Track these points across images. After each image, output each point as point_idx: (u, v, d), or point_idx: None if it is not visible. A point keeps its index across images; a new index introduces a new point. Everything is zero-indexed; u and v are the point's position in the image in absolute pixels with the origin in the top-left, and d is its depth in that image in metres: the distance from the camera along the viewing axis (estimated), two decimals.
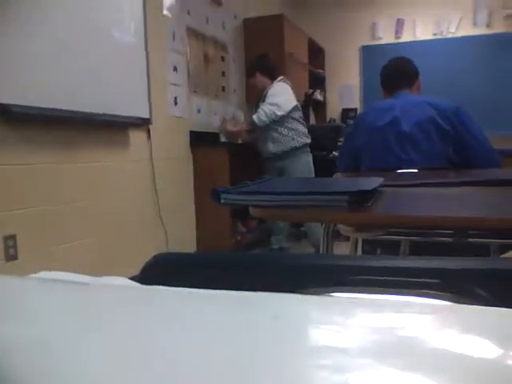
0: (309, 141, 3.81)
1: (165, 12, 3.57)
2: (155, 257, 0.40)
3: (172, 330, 0.24)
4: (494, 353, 0.21)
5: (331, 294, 0.34)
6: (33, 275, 0.35)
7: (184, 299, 0.29)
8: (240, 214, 4.05)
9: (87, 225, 2.73)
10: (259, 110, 3.64)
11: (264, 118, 3.59)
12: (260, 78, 3.77)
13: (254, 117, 3.64)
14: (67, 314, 0.27)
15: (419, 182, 1.14)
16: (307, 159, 3.83)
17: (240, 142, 4.13)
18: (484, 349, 0.22)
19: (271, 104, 3.61)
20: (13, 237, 2.27)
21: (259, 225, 4.46)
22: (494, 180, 1.07)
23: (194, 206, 3.89)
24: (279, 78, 3.79)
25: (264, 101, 3.67)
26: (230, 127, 3.92)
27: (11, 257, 2.26)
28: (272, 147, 3.73)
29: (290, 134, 3.71)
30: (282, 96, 3.67)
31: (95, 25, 2.69)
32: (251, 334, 0.24)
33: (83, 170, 2.71)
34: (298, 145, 3.72)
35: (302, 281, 0.31)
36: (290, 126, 3.71)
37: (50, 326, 0.25)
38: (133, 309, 0.28)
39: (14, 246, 2.27)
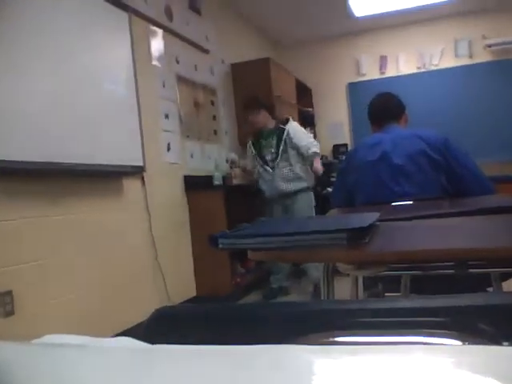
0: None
1: (154, 62, 3.65)
2: (157, 311, 0.40)
3: None
4: None
5: (334, 339, 0.34)
6: (37, 340, 0.35)
7: (187, 357, 0.29)
8: (238, 254, 4.03)
9: (85, 276, 2.70)
10: (308, 144, 3.71)
11: (314, 146, 3.74)
12: (264, 115, 3.83)
13: (315, 149, 3.71)
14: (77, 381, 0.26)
15: (415, 214, 1.15)
16: (311, 197, 3.86)
17: (236, 182, 4.16)
18: None
19: (312, 139, 3.81)
20: (9, 293, 2.23)
21: (258, 265, 4.43)
22: (488, 208, 1.08)
23: (191, 250, 3.86)
24: (291, 117, 3.91)
25: (285, 139, 3.73)
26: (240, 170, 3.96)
27: (8, 313, 2.23)
28: (285, 186, 3.73)
29: (304, 175, 3.77)
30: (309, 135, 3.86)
31: (86, 76, 2.75)
32: None
33: (79, 221, 2.70)
34: (309, 185, 3.78)
35: (303, 328, 0.31)
36: (306, 165, 3.79)
37: None
38: (141, 372, 0.28)
39: (11, 302, 2.24)
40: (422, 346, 0.28)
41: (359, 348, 0.28)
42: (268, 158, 3.80)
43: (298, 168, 3.74)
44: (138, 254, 3.21)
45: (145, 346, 0.32)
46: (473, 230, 0.90)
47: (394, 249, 0.81)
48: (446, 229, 0.94)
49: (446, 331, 0.32)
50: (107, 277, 2.87)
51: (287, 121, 3.85)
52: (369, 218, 1.03)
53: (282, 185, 3.73)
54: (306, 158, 3.74)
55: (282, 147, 3.72)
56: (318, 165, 3.74)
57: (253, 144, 3.90)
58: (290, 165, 3.72)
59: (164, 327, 0.33)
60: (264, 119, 3.83)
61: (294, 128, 3.78)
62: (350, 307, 0.37)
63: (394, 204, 1.85)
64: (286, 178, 3.72)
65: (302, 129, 3.87)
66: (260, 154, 3.85)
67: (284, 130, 3.76)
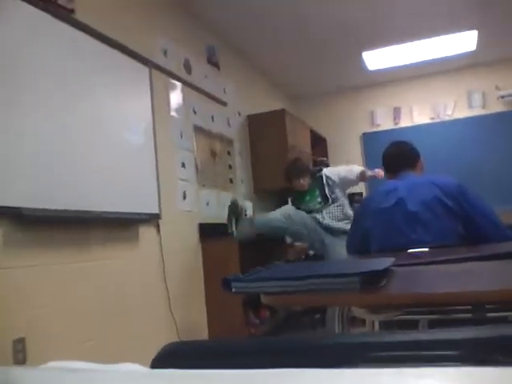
0: None
1: (172, 113, 3.76)
2: (167, 345, 0.39)
3: None
4: None
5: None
6: (43, 365, 0.34)
7: (189, 379, 0.28)
8: (252, 304, 3.96)
9: (98, 324, 2.67)
10: (350, 170, 3.83)
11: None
12: (308, 180, 3.90)
13: (358, 169, 3.80)
14: None
15: (431, 259, 1.13)
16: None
17: None
18: None
19: (349, 167, 3.90)
20: (22, 340, 2.21)
21: (272, 315, 4.34)
22: (504, 253, 1.06)
23: (204, 299, 3.82)
24: (324, 163, 4.06)
25: (326, 183, 3.80)
26: None
27: (19, 361, 2.20)
28: (334, 224, 3.72)
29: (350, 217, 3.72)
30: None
31: (105, 126, 2.84)
32: None
33: (94, 268, 2.71)
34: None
35: (319, 362, 0.30)
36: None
37: None
38: None
39: (23, 350, 2.22)
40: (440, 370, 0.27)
41: (368, 372, 0.28)
42: (316, 208, 3.83)
43: (347, 207, 3.77)
44: (152, 302, 3.18)
45: (148, 370, 0.32)
46: (490, 273, 0.88)
47: (410, 291, 0.79)
48: (462, 273, 0.93)
49: (462, 363, 0.31)
50: (122, 325, 2.84)
51: (320, 170, 3.98)
52: (384, 262, 1.02)
53: (331, 222, 3.71)
54: (360, 180, 3.79)
55: (327, 191, 3.78)
56: (372, 173, 3.74)
57: (296, 200, 3.97)
58: (339, 206, 3.74)
59: (172, 361, 0.33)
60: (307, 183, 3.91)
61: (330, 170, 3.92)
62: (371, 340, 0.36)
63: (410, 251, 1.83)
64: (336, 217, 3.73)
65: (338, 166, 4.00)
66: (305, 209, 3.85)
67: (321, 177, 3.85)
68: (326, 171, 3.87)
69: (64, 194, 2.44)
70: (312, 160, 5.88)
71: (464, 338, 0.34)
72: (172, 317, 3.32)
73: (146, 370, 0.32)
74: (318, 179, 3.85)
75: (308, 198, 3.86)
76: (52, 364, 0.35)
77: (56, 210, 2.37)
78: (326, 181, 3.79)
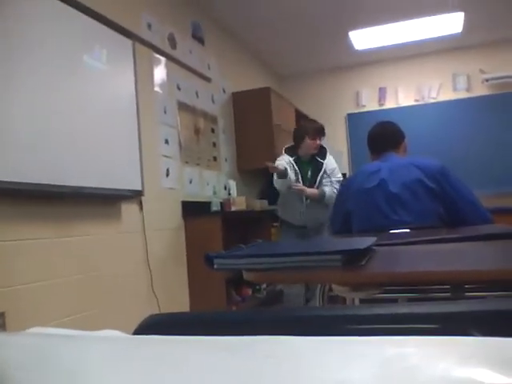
0: None
1: (156, 88, 3.70)
2: (149, 317, 0.39)
3: (170, 377, 0.24)
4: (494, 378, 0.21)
5: None
6: (26, 331, 0.34)
7: (172, 345, 0.28)
8: (234, 282, 3.99)
9: (78, 299, 2.67)
10: (331, 186, 3.61)
11: (334, 197, 3.49)
12: (319, 145, 3.73)
13: (327, 190, 3.59)
14: (66, 368, 0.26)
15: (412, 239, 1.15)
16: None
17: (234, 209, 4.15)
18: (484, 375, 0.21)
19: (339, 182, 3.64)
20: (1, 314, 2.20)
21: (254, 294, 4.38)
22: (484, 235, 1.08)
23: (187, 277, 3.83)
24: (327, 149, 3.79)
25: (322, 173, 3.66)
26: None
27: None
28: (314, 219, 3.66)
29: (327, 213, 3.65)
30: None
31: (87, 100, 2.78)
32: (250, 376, 0.24)
33: (75, 244, 2.69)
34: None
35: (299, 334, 0.30)
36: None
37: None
38: (123, 357, 0.27)
39: (3, 325, 2.20)
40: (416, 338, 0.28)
41: (354, 339, 0.28)
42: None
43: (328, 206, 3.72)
44: (134, 280, 3.18)
45: (130, 336, 0.32)
46: (469, 254, 0.90)
47: (390, 270, 0.80)
48: (442, 253, 0.94)
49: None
50: (102, 302, 2.84)
51: (325, 154, 3.76)
52: (365, 241, 1.03)
53: (312, 216, 3.64)
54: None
55: (318, 180, 3.66)
56: (310, 192, 3.62)
57: (295, 162, 3.70)
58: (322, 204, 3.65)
59: (154, 331, 0.33)
60: (319, 145, 3.73)
61: (331, 167, 3.72)
62: (341, 313, 0.37)
63: (391, 232, 1.85)
64: (317, 210, 3.65)
65: (337, 167, 3.77)
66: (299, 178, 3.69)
67: (322, 164, 3.70)
68: (328, 162, 3.72)
69: (44, 168, 2.40)
70: None
71: (440, 311, 0.34)
72: (154, 295, 3.33)
73: (128, 335, 0.32)
74: (318, 163, 3.71)
75: (301, 170, 3.70)
76: (32, 330, 0.35)
77: (35, 184, 2.33)
78: (324, 171, 3.70)
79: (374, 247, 1.05)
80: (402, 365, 0.23)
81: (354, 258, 0.88)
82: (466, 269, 0.72)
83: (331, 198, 3.47)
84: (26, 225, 2.38)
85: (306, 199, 3.66)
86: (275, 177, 3.63)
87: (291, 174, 3.61)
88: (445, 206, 1.98)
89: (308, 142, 3.66)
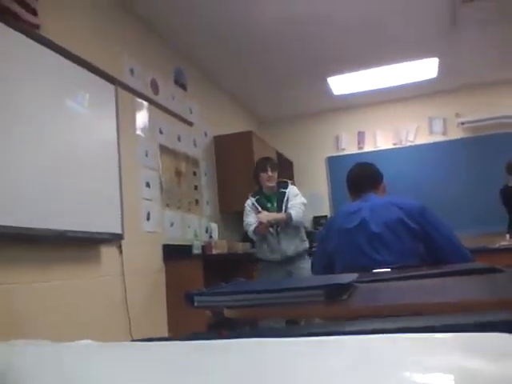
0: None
1: (138, 132, 3.73)
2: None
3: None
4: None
5: None
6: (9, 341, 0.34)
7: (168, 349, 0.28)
8: (216, 325, 3.90)
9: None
10: (296, 208, 3.66)
11: (301, 216, 3.67)
12: (276, 176, 3.84)
13: (293, 213, 3.62)
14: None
15: (392, 276, 1.15)
16: (309, 263, 3.79)
17: (215, 252, 4.11)
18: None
19: (303, 204, 3.73)
20: None
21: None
22: (461, 270, 1.09)
23: (166, 321, 3.74)
24: (290, 181, 3.92)
25: (286, 199, 3.73)
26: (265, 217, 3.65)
27: None
28: (289, 249, 3.64)
29: (304, 237, 3.75)
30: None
31: (69, 143, 2.78)
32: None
33: (54, 288, 2.61)
34: (307, 247, 3.74)
35: None
36: (303, 228, 3.80)
37: None
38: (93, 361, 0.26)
39: None
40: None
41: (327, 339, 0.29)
42: None
43: (303, 231, 3.76)
44: (112, 325, 3.09)
45: (108, 343, 0.31)
46: (449, 287, 0.90)
47: (370, 304, 0.80)
48: (421, 287, 0.94)
49: None
50: None
51: (286, 184, 3.89)
52: (347, 277, 1.03)
53: (286, 246, 3.64)
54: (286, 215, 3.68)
55: (284, 206, 3.72)
56: (275, 215, 3.67)
57: (257, 201, 3.81)
58: (294, 227, 3.68)
59: None
60: (276, 179, 3.84)
61: (295, 190, 3.83)
62: (319, 330, 0.36)
63: (374, 271, 1.85)
64: (290, 238, 3.67)
65: (299, 193, 3.85)
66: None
67: (285, 193, 3.80)
68: (291, 190, 3.83)
69: (26, 211, 2.36)
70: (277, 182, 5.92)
71: (417, 326, 0.35)
72: (131, 339, 3.23)
73: (105, 343, 0.32)
74: (281, 193, 3.80)
75: (268, 204, 3.78)
76: (18, 341, 0.35)
77: (16, 228, 2.28)
78: (288, 196, 3.77)
79: (356, 283, 1.05)
80: (374, 357, 0.24)
81: (336, 292, 0.88)
82: (443, 300, 0.72)
83: (299, 218, 3.65)
84: (3, 269, 2.31)
85: (277, 229, 3.68)
86: (252, 232, 3.73)
87: (256, 214, 3.73)
88: (425, 246, 1.99)
89: (262, 176, 3.81)
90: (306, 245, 3.75)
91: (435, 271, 1.13)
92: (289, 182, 3.93)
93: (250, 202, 3.85)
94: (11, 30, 2.44)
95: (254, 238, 3.80)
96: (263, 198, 3.83)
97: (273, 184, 3.80)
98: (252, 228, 3.69)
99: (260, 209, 3.76)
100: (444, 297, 0.78)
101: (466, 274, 1.09)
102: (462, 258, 1.94)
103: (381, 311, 0.73)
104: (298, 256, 3.66)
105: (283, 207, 3.72)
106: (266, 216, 3.65)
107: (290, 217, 3.63)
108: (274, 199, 3.80)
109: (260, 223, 3.61)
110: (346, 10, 4.02)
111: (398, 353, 0.26)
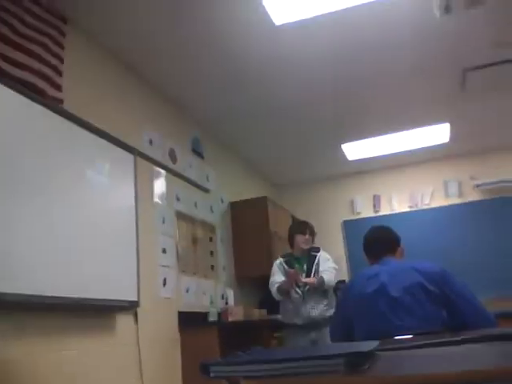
0: None
1: (155, 199, 3.79)
2: None
3: None
4: None
5: None
6: None
7: None
8: None
9: None
10: (328, 272, 3.67)
11: (333, 280, 3.67)
12: (310, 242, 3.87)
13: (325, 277, 3.61)
14: None
15: (415, 343, 1.11)
16: None
17: (231, 319, 4.02)
18: None
19: (335, 269, 3.75)
20: None
21: None
22: (486, 336, 1.05)
23: None
24: (321, 248, 3.95)
25: (316, 263, 3.74)
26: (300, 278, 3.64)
27: None
28: (314, 311, 3.58)
29: (332, 303, 3.64)
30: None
31: (88, 212, 2.82)
32: None
33: (69, 358, 2.56)
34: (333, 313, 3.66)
35: None
36: (332, 295, 3.76)
37: None
38: None
39: None
40: None
41: None
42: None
43: (328, 295, 3.69)
44: None
45: None
46: (472, 355, 0.87)
47: (395, 375, 0.77)
48: (446, 355, 0.91)
49: None
50: None
51: (318, 249, 3.93)
52: (368, 345, 1.00)
53: (311, 310, 3.58)
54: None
55: (313, 273, 3.70)
56: (311, 280, 3.63)
57: (285, 262, 3.83)
58: (321, 292, 3.63)
59: None
60: (310, 244, 3.88)
61: (325, 257, 3.83)
62: None
63: (395, 338, 1.79)
64: (316, 301, 3.60)
65: (331, 259, 3.86)
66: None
67: (316, 256, 3.80)
68: (321, 254, 3.84)
69: (40, 278, 2.36)
70: None
71: None
72: None
73: None
74: (312, 256, 3.80)
75: (298, 266, 3.77)
76: None
77: (31, 296, 2.28)
78: (318, 260, 3.76)
79: (377, 352, 1.01)
80: None
81: (357, 362, 0.85)
82: (469, 369, 0.70)
83: (330, 283, 3.64)
84: (17, 338, 2.28)
85: (304, 290, 3.62)
86: (275, 290, 3.70)
87: (282, 274, 3.74)
88: (447, 310, 1.94)
89: (298, 237, 3.85)
90: (329, 312, 3.65)
91: (460, 338, 1.09)
92: (320, 247, 3.94)
93: (278, 261, 3.89)
94: (37, 105, 2.56)
95: (278, 297, 3.74)
96: (293, 259, 3.85)
97: (307, 247, 3.84)
98: (277, 286, 3.68)
99: (287, 268, 3.75)
100: (473, 365, 0.75)
101: (492, 340, 1.05)
102: (486, 322, 1.87)
103: (404, 382, 0.71)
104: (324, 321, 3.55)
105: (313, 270, 3.72)
106: (296, 274, 3.60)
107: (322, 281, 3.60)
108: (304, 261, 3.80)
109: (289, 276, 3.59)
110: (360, 79, 4.16)
111: None
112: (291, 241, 3.92)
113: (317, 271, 3.71)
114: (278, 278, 3.74)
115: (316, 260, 3.77)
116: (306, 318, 3.58)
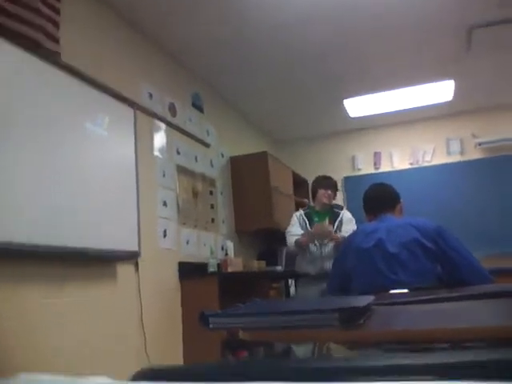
0: None
1: (155, 153, 3.78)
2: (141, 370, 0.39)
3: None
4: None
5: None
6: (13, 378, 0.34)
7: None
8: (231, 345, 3.87)
9: (69, 362, 2.58)
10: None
11: None
12: (333, 197, 3.95)
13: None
14: None
15: (410, 299, 1.14)
16: None
17: (230, 270, 4.10)
18: None
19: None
20: None
21: (251, 356, 4.24)
22: (481, 294, 1.07)
23: (181, 339, 3.72)
24: (344, 207, 4.04)
25: (340, 221, 3.80)
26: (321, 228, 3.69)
27: None
28: (329, 262, 3.56)
29: None
30: None
31: (88, 164, 2.83)
32: None
33: (70, 305, 2.63)
34: None
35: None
36: None
37: None
38: None
39: None
40: None
41: None
42: None
43: None
44: (127, 343, 3.09)
45: (121, 382, 0.31)
46: (468, 312, 0.89)
47: (388, 329, 0.79)
48: (440, 312, 0.93)
49: None
50: (94, 365, 2.74)
51: (341, 207, 4.02)
52: (363, 300, 1.02)
53: (326, 263, 3.63)
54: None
55: (336, 225, 3.76)
56: (336, 236, 3.65)
57: (305, 214, 3.89)
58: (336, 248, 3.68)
59: (147, 381, 0.32)
60: (332, 200, 3.94)
61: (348, 217, 3.87)
62: (339, 365, 0.36)
63: (390, 292, 1.83)
64: (331, 254, 3.64)
65: (353, 220, 3.89)
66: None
67: (339, 214, 3.86)
68: (345, 214, 3.88)
69: (41, 228, 2.40)
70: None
71: (440, 362, 0.34)
72: (147, 357, 3.22)
73: (121, 382, 0.32)
74: (335, 213, 3.86)
75: (317, 219, 3.83)
76: (23, 376, 0.35)
77: (32, 245, 2.32)
78: (339, 221, 3.80)
79: (373, 306, 1.04)
80: None
81: (352, 316, 0.87)
82: (464, 326, 0.72)
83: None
84: (19, 285, 2.34)
85: (321, 244, 3.69)
86: (293, 242, 3.75)
87: (299, 227, 3.82)
88: (443, 266, 1.98)
89: (320, 192, 3.90)
90: None
91: (456, 294, 1.11)
92: (344, 207, 4.02)
93: (298, 213, 3.97)
94: (33, 57, 2.51)
95: (292, 248, 3.82)
96: (313, 212, 3.91)
97: (329, 202, 3.89)
98: (294, 239, 3.74)
99: (307, 222, 3.83)
100: (466, 322, 0.77)
101: (488, 297, 1.07)
102: (482, 279, 1.91)
103: (397, 337, 0.73)
104: None
105: (335, 226, 3.76)
106: (322, 227, 3.66)
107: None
108: (325, 217, 3.84)
109: (316, 230, 3.64)
110: (363, 33, 4.05)
111: None
112: (314, 194, 3.98)
113: (339, 228, 3.75)
114: (295, 229, 3.82)
115: (339, 217, 3.82)
116: (319, 268, 3.67)
